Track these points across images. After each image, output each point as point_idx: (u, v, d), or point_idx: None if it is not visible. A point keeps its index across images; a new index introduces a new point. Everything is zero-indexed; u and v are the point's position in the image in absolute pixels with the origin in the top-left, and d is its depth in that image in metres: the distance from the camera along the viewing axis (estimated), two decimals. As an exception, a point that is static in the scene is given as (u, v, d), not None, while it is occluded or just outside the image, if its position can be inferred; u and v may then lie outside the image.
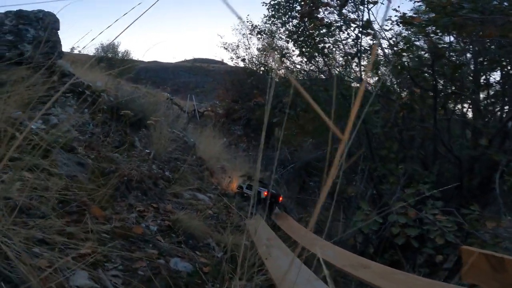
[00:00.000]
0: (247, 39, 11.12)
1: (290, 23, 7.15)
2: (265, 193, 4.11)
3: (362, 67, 3.81)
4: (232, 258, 2.77)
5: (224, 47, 11.41)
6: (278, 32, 8.54)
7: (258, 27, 9.53)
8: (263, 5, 7.99)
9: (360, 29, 3.76)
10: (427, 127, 3.30)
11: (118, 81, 4.27)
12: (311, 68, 7.46)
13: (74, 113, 2.51)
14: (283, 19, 7.53)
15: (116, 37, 1.03)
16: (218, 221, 3.32)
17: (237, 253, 2.73)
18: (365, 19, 4.05)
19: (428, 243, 2.49)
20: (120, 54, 13.42)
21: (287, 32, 7.26)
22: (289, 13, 7.11)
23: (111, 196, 2.07)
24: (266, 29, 9.32)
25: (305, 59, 6.56)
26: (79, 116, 2.48)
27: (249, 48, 11.28)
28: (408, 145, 3.41)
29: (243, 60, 10.90)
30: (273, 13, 7.85)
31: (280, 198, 4.09)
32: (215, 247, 2.77)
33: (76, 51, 5.61)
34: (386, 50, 4.51)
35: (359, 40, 3.68)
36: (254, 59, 11.08)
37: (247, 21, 9.92)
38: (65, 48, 3.42)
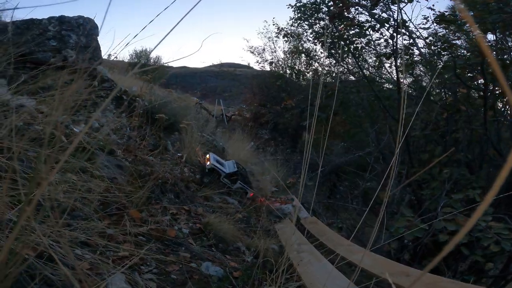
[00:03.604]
0: (273, 42, 11.13)
1: (318, 25, 7.05)
2: (251, 194, 3.61)
3: (398, 67, 3.64)
4: (263, 263, 2.73)
5: (250, 51, 11.50)
6: (305, 34, 8.45)
7: (285, 29, 9.50)
8: (288, 7, 7.96)
9: (395, 28, 3.60)
10: (474, 129, 3.07)
11: (151, 87, 4.40)
12: (340, 69, 7.29)
13: (113, 117, 2.61)
14: (310, 21, 7.42)
15: (156, 46, 1.04)
16: (248, 224, 3.30)
17: (267, 257, 2.70)
18: (396, 17, 3.89)
19: (477, 250, 2.32)
20: (152, 60, 13.96)
21: (314, 34, 7.16)
22: (316, 14, 7.00)
23: (147, 198, 2.11)
24: (292, 32, 9.27)
25: (334, 61, 6.42)
26: (117, 121, 2.56)
27: (275, 51, 11.29)
28: (452, 148, 3.19)
29: (271, 63, 10.89)
30: (299, 15, 7.79)
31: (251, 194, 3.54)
32: (245, 251, 2.76)
33: (113, 58, 5.87)
34: (421, 50, 4.30)
35: (395, 40, 3.52)
36: (280, 62, 11.07)
37: (273, 24, 9.94)
38: (102, 54, 3.59)
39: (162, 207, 2.38)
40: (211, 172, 3.31)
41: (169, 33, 1.01)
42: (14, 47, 2.39)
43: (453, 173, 2.84)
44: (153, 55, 14.75)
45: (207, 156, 3.37)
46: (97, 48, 2.99)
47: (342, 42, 4.15)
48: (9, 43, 2.43)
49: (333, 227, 4.07)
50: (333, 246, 2.78)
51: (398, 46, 3.52)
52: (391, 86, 4.98)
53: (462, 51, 3.98)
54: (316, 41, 6.69)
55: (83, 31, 3.12)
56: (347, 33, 4.17)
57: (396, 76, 3.28)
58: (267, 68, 11.35)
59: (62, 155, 1.53)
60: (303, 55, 9.18)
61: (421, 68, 4.91)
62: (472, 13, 3.16)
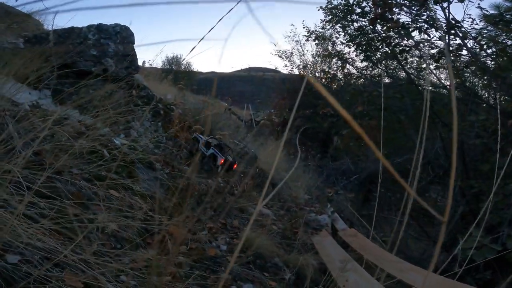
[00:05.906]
0: (301, 46, 10.91)
1: (351, 27, 6.78)
2: (221, 161, 3.43)
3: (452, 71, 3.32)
4: (302, 281, 2.58)
5: (278, 55, 11.36)
6: (337, 36, 8.18)
7: (316, 32, 9.28)
8: (318, 10, 7.75)
9: (446, 29, 3.30)
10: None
11: (184, 93, 4.39)
12: (374, 72, 6.94)
13: (150, 126, 2.57)
14: (343, 23, 7.16)
15: (192, 49, 0.94)
16: (283, 237, 3.18)
17: (307, 275, 2.54)
18: (448, 17, 3.58)
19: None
20: (182, 66, 14.26)
21: (347, 37, 6.89)
22: (349, 16, 6.75)
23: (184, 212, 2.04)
24: (323, 34, 9.03)
25: (371, 64, 6.11)
26: (154, 130, 2.53)
27: (303, 54, 11.05)
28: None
29: (305, 67, 10.69)
30: (330, 17, 7.56)
31: (235, 166, 3.45)
32: (283, 268, 2.64)
33: (147, 65, 5.97)
34: (473, 51, 3.93)
35: (448, 41, 3.22)
36: (309, 65, 10.82)
37: (303, 27, 9.74)
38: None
39: (197, 219, 2.31)
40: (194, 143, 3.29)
41: (201, 39, 0.90)
42: (56, 56, 2.41)
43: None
44: (183, 61, 15.05)
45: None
46: (134, 56, 2.99)
47: (385, 44, 3.88)
48: (51, 53, 2.46)
49: (375, 241, 3.81)
50: (380, 263, 2.56)
51: (442, 48, 3.23)
52: (436, 90, 4.62)
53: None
54: (350, 43, 6.42)
55: (120, 39, 3.14)
56: (393, 36, 3.89)
57: (449, 80, 2.99)
58: (296, 71, 11.16)
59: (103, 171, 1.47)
60: (335, 58, 8.92)
61: (469, 71, 4.52)
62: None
